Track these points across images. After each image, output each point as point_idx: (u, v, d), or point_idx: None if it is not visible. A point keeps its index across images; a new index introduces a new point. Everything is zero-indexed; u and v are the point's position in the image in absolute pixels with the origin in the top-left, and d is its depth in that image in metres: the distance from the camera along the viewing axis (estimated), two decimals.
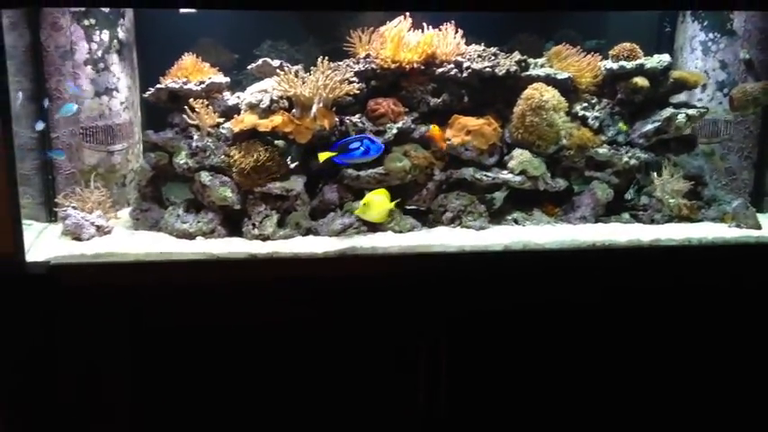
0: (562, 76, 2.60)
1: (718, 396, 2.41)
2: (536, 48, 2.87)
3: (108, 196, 2.48)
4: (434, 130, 2.48)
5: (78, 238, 2.29)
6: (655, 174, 2.59)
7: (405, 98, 2.55)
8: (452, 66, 2.54)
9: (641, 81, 2.59)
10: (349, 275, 2.24)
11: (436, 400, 2.25)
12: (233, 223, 2.38)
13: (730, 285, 2.34)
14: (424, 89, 2.56)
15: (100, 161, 2.59)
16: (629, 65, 2.59)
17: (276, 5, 2.14)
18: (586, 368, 2.33)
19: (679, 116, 2.58)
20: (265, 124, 2.34)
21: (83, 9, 2.47)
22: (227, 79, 2.53)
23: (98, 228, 2.34)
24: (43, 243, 2.28)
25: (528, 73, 2.59)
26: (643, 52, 2.64)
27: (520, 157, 2.51)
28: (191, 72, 2.48)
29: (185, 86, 2.41)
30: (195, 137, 2.40)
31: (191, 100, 2.38)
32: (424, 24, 2.55)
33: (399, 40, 2.51)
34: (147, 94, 2.48)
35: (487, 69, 2.52)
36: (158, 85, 2.45)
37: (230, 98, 2.51)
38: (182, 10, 2.67)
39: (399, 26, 2.53)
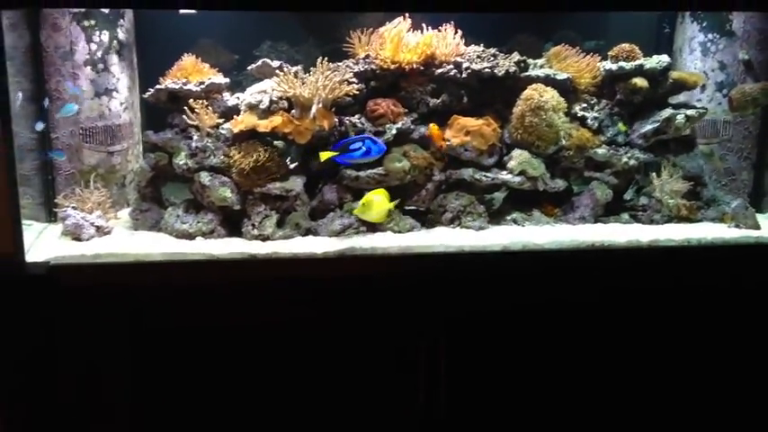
0: (561, 76, 2.60)
1: (717, 396, 2.41)
2: (535, 48, 2.87)
3: (108, 197, 2.48)
4: (433, 128, 2.48)
5: (78, 239, 2.29)
6: (654, 174, 2.60)
7: (404, 99, 2.55)
8: (452, 66, 2.55)
9: (640, 82, 2.59)
10: (348, 276, 2.24)
11: (435, 401, 2.25)
12: (232, 224, 2.39)
13: (730, 286, 2.34)
14: (423, 90, 2.57)
15: (100, 162, 2.59)
16: (628, 65, 2.59)
17: (276, 6, 2.14)
18: (586, 368, 2.33)
19: (678, 117, 2.58)
20: (265, 125, 2.34)
21: (82, 10, 2.47)
22: (227, 80, 2.53)
23: (98, 228, 2.34)
24: (43, 243, 2.29)
25: (527, 74, 2.60)
26: (642, 53, 2.64)
27: (519, 157, 2.51)
28: (190, 73, 2.49)
29: (185, 87, 2.42)
30: (195, 137, 2.40)
31: (190, 100, 2.38)
32: (424, 25, 2.55)
33: (399, 41, 2.52)
34: (146, 95, 2.49)
35: (487, 70, 2.53)
36: (158, 86, 2.46)
37: (230, 99, 2.52)
38: (181, 11, 2.67)
39: (399, 27, 2.53)
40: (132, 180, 2.65)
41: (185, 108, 2.38)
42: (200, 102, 2.39)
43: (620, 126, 2.62)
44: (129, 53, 2.71)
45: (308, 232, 2.39)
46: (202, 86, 2.43)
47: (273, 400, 2.23)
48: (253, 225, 2.32)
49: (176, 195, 2.57)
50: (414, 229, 2.43)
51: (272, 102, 2.40)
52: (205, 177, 2.35)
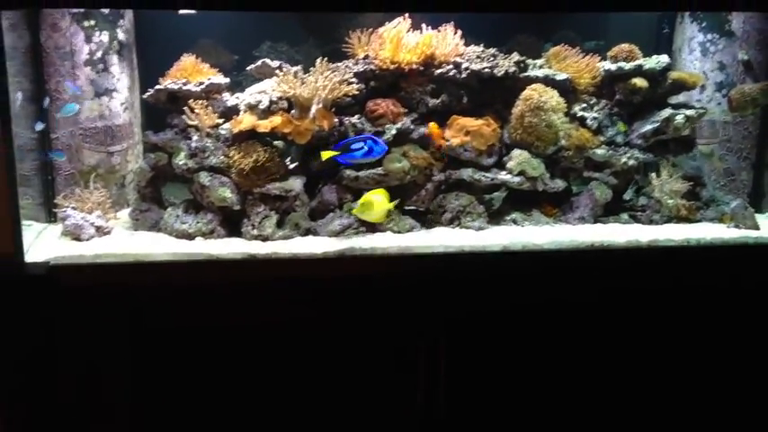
0: (561, 76, 2.61)
1: (716, 396, 2.41)
2: (535, 49, 2.87)
3: (107, 197, 2.48)
4: (433, 127, 2.48)
5: (78, 239, 2.29)
6: (653, 174, 2.60)
7: (404, 99, 2.55)
8: (451, 67, 2.55)
9: (640, 82, 2.59)
10: (348, 276, 2.24)
11: (435, 401, 2.25)
12: (232, 224, 2.39)
13: (729, 286, 2.35)
14: (422, 90, 2.57)
15: (99, 162, 2.59)
16: (627, 66, 2.60)
17: (275, 7, 2.14)
18: (585, 369, 2.33)
19: (677, 117, 2.58)
20: (264, 125, 2.34)
21: (82, 10, 2.47)
22: (227, 80, 2.53)
23: (97, 228, 2.34)
24: (43, 243, 2.29)
25: (527, 74, 2.60)
26: (642, 53, 2.64)
27: (519, 157, 2.51)
28: (190, 73, 2.49)
29: (185, 87, 2.42)
30: (194, 137, 2.40)
31: (190, 101, 2.38)
32: (423, 25, 2.56)
33: (398, 41, 2.52)
34: (146, 95, 2.49)
35: (486, 70, 2.53)
36: (158, 86, 2.46)
37: (229, 99, 2.52)
38: (181, 11, 2.67)
39: (398, 27, 2.53)
40: (132, 180, 2.66)
41: (185, 108, 2.38)
42: (200, 102, 2.39)
43: (620, 126, 2.63)
44: (129, 53, 2.71)
45: (307, 232, 2.39)
46: (202, 87, 2.43)
47: (273, 400, 2.23)
48: (252, 225, 2.32)
49: (176, 195, 2.57)
50: (413, 230, 2.44)
51: (271, 102, 2.40)
52: (205, 177, 2.36)
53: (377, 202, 2.26)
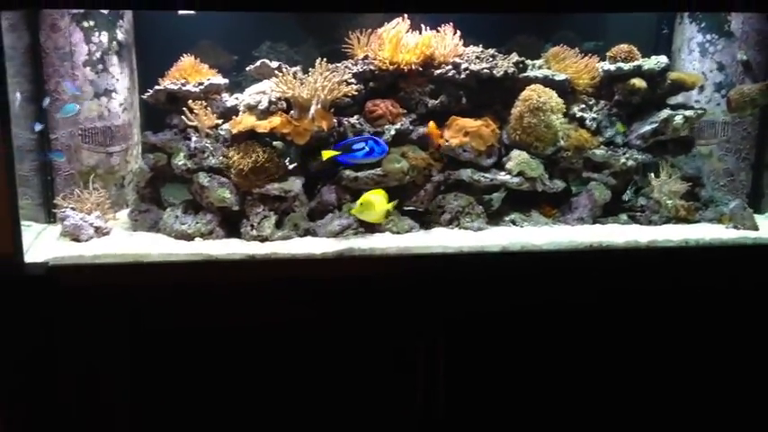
0: (560, 77, 2.61)
1: (715, 396, 2.41)
2: (534, 49, 2.87)
3: (107, 197, 2.48)
4: (432, 126, 2.48)
5: (77, 239, 2.29)
6: (652, 175, 2.60)
7: (403, 99, 2.56)
8: (450, 67, 2.55)
9: (639, 82, 2.59)
10: (347, 276, 2.24)
11: (434, 401, 2.25)
12: (231, 224, 2.39)
13: (728, 286, 2.35)
14: (422, 90, 2.57)
15: (99, 162, 2.60)
16: (626, 66, 2.60)
17: (275, 7, 2.14)
18: (584, 369, 2.33)
19: (676, 117, 2.59)
20: (264, 125, 2.35)
21: (82, 11, 2.47)
22: (226, 81, 2.54)
23: (97, 229, 2.34)
24: (42, 244, 2.29)
25: (526, 74, 2.60)
26: (641, 54, 2.65)
27: (518, 158, 2.52)
28: (189, 73, 2.49)
29: (184, 88, 2.42)
30: (194, 138, 2.40)
31: (189, 101, 2.38)
32: (423, 26, 2.56)
33: (397, 42, 2.52)
34: (145, 96, 2.49)
35: (485, 71, 2.53)
36: (157, 87, 2.46)
37: (229, 99, 2.52)
38: (180, 11, 2.67)
39: (398, 28, 2.53)
40: (131, 181, 2.66)
41: (184, 109, 2.38)
42: (199, 102, 2.39)
43: (619, 127, 2.63)
44: (129, 54, 2.71)
45: (306, 233, 2.39)
46: (201, 87, 2.43)
47: (273, 400, 2.23)
48: (251, 226, 2.32)
49: (175, 196, 2.57)
50: (412, 230, 2.44)
51: (270, 102, 2.40)
52: (204, 178, 2.36)
53: (376, 202, 2.27)
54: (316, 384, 2.23)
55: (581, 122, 2.63)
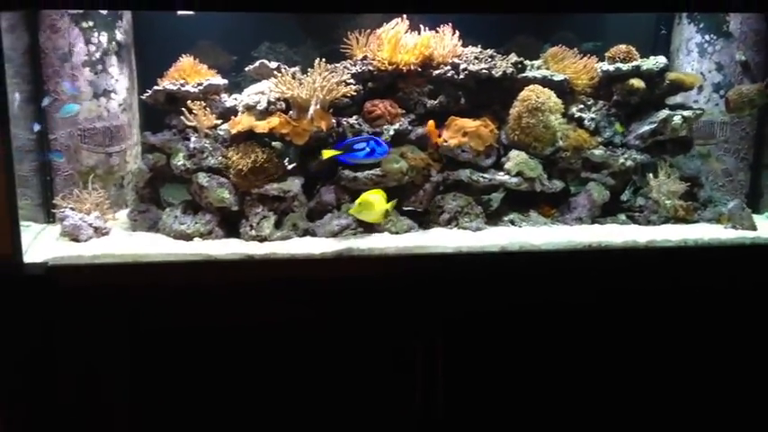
0: (558, 77, 2.61)
1: (714, 396, 2.42)
2: (533, 50, 2.87)
3: (106, 197, 2.49)
4: (431, 125, 2.48)
5: (76, 240, 2.30)
6: (651, 175, 2.60)
7: (401, 100, 2.56)
8: (449, 67, 2.55)
9: (637, 83, 2.60)
10: (346, 276, 2.24)
11: (433, 401, 2.25)
12: (230, 224, 2.39)
13: (726, 286, 2.35)
14: (420, 91, 2.57)
15: (98, 162, 2.60)
16: (625, 67, 2.60)
17: (274, 8, 2.14)
18: (583, 369, 2.34)
19: (675, 118, 2.59)
20: (262, 126, 2.35)
21: (81, 11, 2.48)
22: (225, 81, 2.54)
23: (96, 229, 2.34)
24: (41, 244, 2.29)
25: (524, 75, 2.61)
26: (640, 54, 2.65)
27: (516, 158, 2.52)
28: (188, 74, 2.49)
29: (183, 88, 2.42)
30: (193, 138, 2.41)
31: (188, 102, 2.39)
32: (421, 26, 2.56)
33: (396, 42, 2.52)
34: (145, 96, 2.49)
35: (484, 71, 2.53)
36: (156, 87, 2.46)
37: (228, 100, 2.53)
38: (180, 12, 2.68)
39: (396, 28, 2.54)
40: (130, 181, 2.66)
41: (183, 109, 2.39)
42: (198, 103, 2.40)
43: (617, 127, 2.63)
44: (128, 54, 2.71)
45: (305, 233, 2.40)
46: (200, 87, 2.44)
47: (271, 400, 2.23)
48: (251, 226, 2.33)
49: (174, 196, 2.57)
50: (411, 230, 2.44)
51: (269, 103, 2.41)
52: (203, 178, 2.36)
53: (374, 202, 2.27)
54: (315, 384, 2.23)
55: (579, 123, 2.64)
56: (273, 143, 2.44)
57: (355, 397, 2.25)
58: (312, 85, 2.34)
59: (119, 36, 2.62)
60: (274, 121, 2.35)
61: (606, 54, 2.68)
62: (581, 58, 2.71)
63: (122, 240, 2.33)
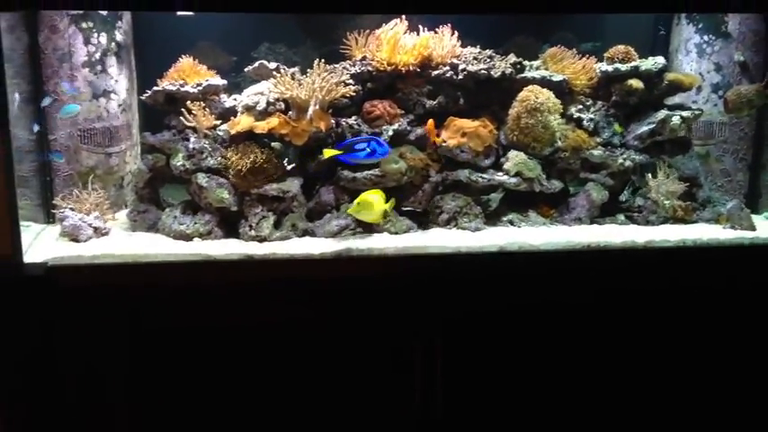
0: (557, 78, 2.62)
1: (713, 396, 2.42)
2: (532, 50, 2.88)
3: (105, 198, 2.49)
4: (430, 124, 2.48)
5: (76, 240, 2.30)
6: (650, 175, 2.60)
7: (400, 100, 2.56)
8: (448, 68, 2.56)
9: (636, 83, 2.60)
10: (345, 276, 2.25)
11: (432, 401, 2.26)
12: (230, 225, 2.40)
13: (725, 286, 2.35)
14: (419, 91, 2.58)
15: (98, 163, 2.60)
16: (623, 67, 2.61)
17: (273, 8, 2.15)
18: (582, 369, 2.34)
19: (674, 118, 2.59)
20: (262, 126, 2.35)
21: (81, 12, 2.48)
22: (224, 81, 2.54)
23: (96, 229, 2.35)
24: (41, 244, 2.30)
25: (523, 75, 2.61)
26: (638, 55, 2.65)
27: (515, 158, 2.52)
28: (188, 74, 2.50)
29: (182, 89, 2.43)
30: (192, 139, 2.41)
31: (188, 102, 2.39)
32: (420, 27, 2.56)
33: (395, 43, 2.53)
34: (144, 97, 2.50)
35: (483, 71, 2.54)
36: (156, 88, 2.47)
37: (227, 100, 2.53)
38: (179, 12, 2.68)
39: (395, 29, 2.54)
40: (130, 181, 2.66)
41: (183, 110, 2.39)
42: (198, 103, 2.40)
43: (616, 127, 2.63)
44: (128, 55, 2.72)
45: (305, 233, 2.40)
46: (200, 88, 2.44)
47: (270, 400, 2.23)
48: (250, 226, 2.33)
49: (174, 196, 2.58)
50: (410, 230, 2.44)
51: (269, 103, 2.41)
52: (202, 179, 2.36)
53: (371, 201, 2.27)
54: (314, 384, 2.24)
55: (578, 123, 2.64)
56: (273, 143, 2.44)
57: (354, 397, 2.26)
58: (311, 86, 2.34)
59: (118, 37, 2.63)
60: (273, 121, 2.36)
61: (605, 54, 2.68)
62: (580, 59, 2.71)
63: (122, 241, 2.33)
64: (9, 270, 2.06)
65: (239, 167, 2.33)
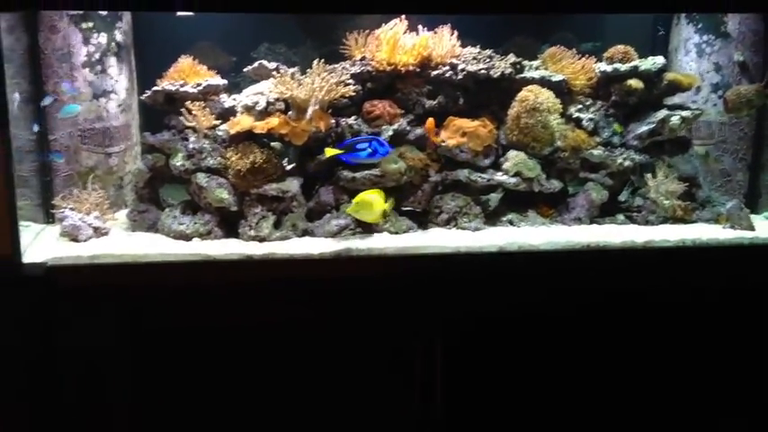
0: (557, 78, 2.62)
1: (712, 396, 2.42)
2: (532, 50, 2.88)
3: (105, 198, 2.49)
4: (430, 123, 2.49)
5: (75, 240, 2.30)
6: (649, 175, 2.60)
7: (400, 100, 2.57)
8: (447, 68, 2.56)
9: (635, 83, 2.60)
10: (345, 276, 2.25)
11: (432, 401, 2.26)
12: (229, 225, 2.40)
13: (724, 286, 2.35)
14: (419, 91, 2.58)
15: (97, 163, 2.60)
16: (623, 67, 2.61)
17: (273, 9, 2.15)
18: (581, 368, 2.34)
19: (673, 118, 2.59)
20: (261, 126, 2.35)
21: (80, 12, 2.48)
22: (224, 81, 2.55)
23: (95, 229, 2.35)
24: (41, 244, 2.30)
25: (523, 75, 2.61)
26: (638, 54, 2.66)
27: (515, 158, 2.52)
28: (188, 74, 2.50)
29: (182, 89, 2.43)
30: (192, 139, 2.41)
31: (187, 102, 2.39)
32: (420, 27, 2.57)
33: (395, 43, 2.53)
34: (144, 97, 2.50)
35: (482, 71, 2.54)
36: (155, 88, 2.47)
37: (227, 100, 2.53)
38: (179, 13, 2.68)
39: (395, 29, 2.54)
40: (130, 181, 2.67)
41: (182, 110, 2.39)
42: (198, 103, 2.40)
43: (616, 127, 2.63)
44: (127, 55, 2.72)
45: (304, 233, 2.40)
46: (199, 88, 2.44)
47: (270, 400, 2.23)
48: (249, 226, 2.33)
49: (173, 196, 2.58)
50: (410, 230, 2.44)
51: (268, 103, 2.41)
52: (202, 179, 2.36)
53: (371, 201, 2.27)
54: (313, 384, 2.24)
55: (578, 123, 2.64)
56: (272, 143, 2.44)
57: (354, 397, 2.26)
58: (311, 86, 2.34)
59: (118, 37, 2.63)
60: (273, 121, 2.36)
61: (604, 54, 2.68)
62: (579, 59, 2.71)
63: (122, 240, 2.33)
64: (8, 270, 2.06)
65: (239, 167, 2.33)
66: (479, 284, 2.25)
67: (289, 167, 2.43)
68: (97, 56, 2.56)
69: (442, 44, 2.57)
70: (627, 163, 2.60)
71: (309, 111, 2.35)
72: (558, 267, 2.34)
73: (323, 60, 2.41)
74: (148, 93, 2.48)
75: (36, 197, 2.54)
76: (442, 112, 2.57)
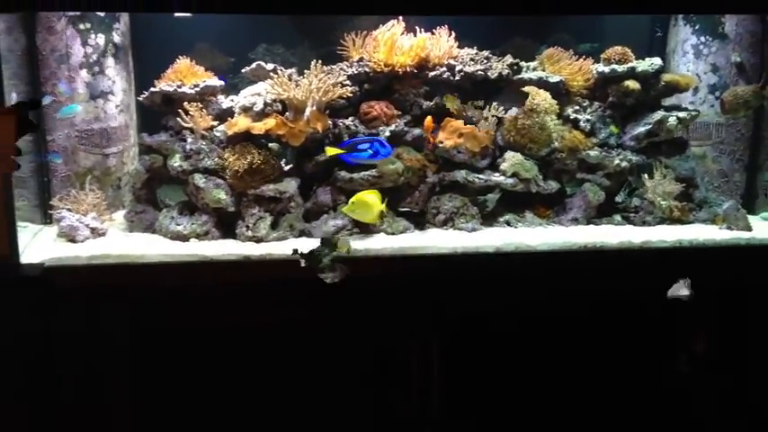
0: (554, 79, 2.62)
1: (709, 395, 2.42)
2: (529, 51, 2.89)
3: (103, 199, 2.49)
4: (428, 122, 2.49)
5: (73, 241, 2.30)
6: (646, 176, 2.61)
7: (397, 101, 2.57)
8: (445, 69, 2.56)
9: (632, 84, 2.61)
10: (342, 277, 2.25)
11: (428, 401, 2.26)
12: (227, 225, 2.40)
13: (721, 287, 2.35)
14: (416, 92, 2.58)
15: (95, 164, 2.60)
16: (620, 68, 2.61)
17: (271, 10, 2.15)
18: (577, 369, 2.34)
19: (670, 119, 2.60)
20: (259, 127, 2.36)
21: (78, 13, 2.49)
22: (222, 82, 2.55)
23: (93, 230, 2.35)
24: (38, 245, 2.30)
25: (520, 76, 2.62)
26: (635, 56, 2.66)
27: (512, 159, 2.53)
28: (185, 75, 2.50)
29: (180, 90, 2.43)
30: (189, 140, 2.41)
31: (185, 103, 2.40)
32: (417, 28, 2.57)
33: (392, 44, 2.53)
34: (141, 98, 2.50)
35: (480, 72, 2.54)
36: (153, 89, 2.47)
37: (224, 101, 2.53)
38: (177, 14, 2.68)
39: (392, 30, 2.55)
40: (127, 182, 2.67)
41: (180, 110, 2.39)
42: (195, 104, 2.40)
43: (613, 128, 2.64)
44: (125, 56, 2.72)
45: (301, 234, 2.40)
46: (197, 89, 2.45)
47: (267, 400, 2.23)
48: (247, 227, 2.33)
49: (171, 197, 2.58)
50: (407, 231, 2.45)
51: (266, 104, 2.41)
52: (199, 179, 2.37)
53: (367, 201, 2.27)
54: (310, 384, 2.23)
55: (575, 124, 2.65)
56: (270, 144, 2.45)
57: (351, 397, 2.26)
58: (308, 87, 2.35)
59: (116, 38, 2.63)
60: (271, 122, 2.36)
61: (602, 56, 2.69)
62: (577, 60, 2.72)
63: (119, 241, 2.33)
64: (6, 270, 2.06)
65: (236, 168, 2.34)
66: (476, 285, 2.25)
67: (286, 168, 2.44)
68: (95, 57, 2.56)
69: (439, 45, 2.58)
70: (624, 164, 2.60)
71: (307, 112, 2.35)
72: (555, 268, 2.34)
73: (320, 61, 2.42)
74: (146, 94, 2.48)
75: (34, 198, 2.54)
76: (439, 113, 2.57)
